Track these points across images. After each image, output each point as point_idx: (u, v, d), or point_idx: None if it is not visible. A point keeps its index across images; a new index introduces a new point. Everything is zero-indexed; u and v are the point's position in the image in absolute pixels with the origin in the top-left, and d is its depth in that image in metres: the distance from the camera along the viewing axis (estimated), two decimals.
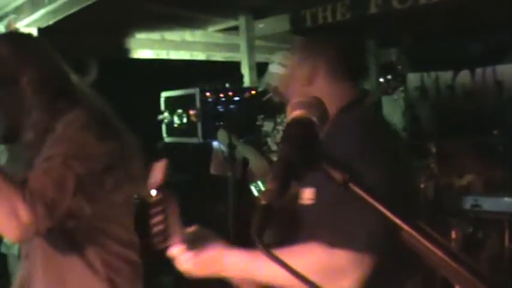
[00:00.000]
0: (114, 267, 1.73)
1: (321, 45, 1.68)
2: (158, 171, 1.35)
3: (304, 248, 1.38)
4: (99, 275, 1.69)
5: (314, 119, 1.07)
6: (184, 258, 1.49)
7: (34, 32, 4.44)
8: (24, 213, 1.44)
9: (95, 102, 1.81)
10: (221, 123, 4.24)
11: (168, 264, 1.51)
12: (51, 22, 4.27)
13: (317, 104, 1.11)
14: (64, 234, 1.61)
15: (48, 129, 1.63)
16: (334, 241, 1.33)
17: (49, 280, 1.72)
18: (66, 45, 5.04)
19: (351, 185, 0.98)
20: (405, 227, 0.91)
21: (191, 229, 1.61)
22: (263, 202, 0.93)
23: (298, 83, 1.67)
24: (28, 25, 4.37)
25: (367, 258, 1.32)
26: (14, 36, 1.90)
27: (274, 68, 3.44)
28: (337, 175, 0.99)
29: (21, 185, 1.47)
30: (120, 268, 1.74)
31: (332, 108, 1.46)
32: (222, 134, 3.60)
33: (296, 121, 1.06)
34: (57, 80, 1.74)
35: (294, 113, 1.07)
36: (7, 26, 4.53)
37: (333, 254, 1.33)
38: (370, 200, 0.95)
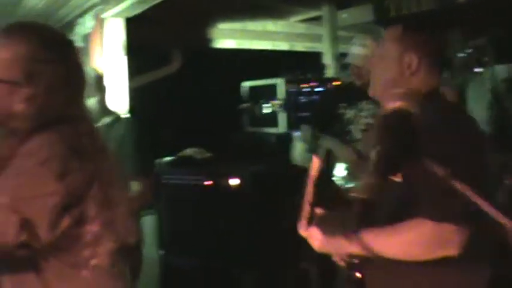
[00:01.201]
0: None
1: (423, 37, 1.72)
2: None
3: (413, 223, 1.52)
4: None
5: (413, 111, 1.05)
6: (316, 237, 1.76)
7: (121, 22, 4.52)
8: None
9: (84, 119, 1.65)
10: (304, 113, 4.19)
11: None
12: (137, 12, 4.31)
13: (417, 96, 1.08)
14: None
15: (23, 141, 1.53)
16: (437, 215, 1.48)
17: None
18: (152, 35, 5.15)
19: (453, 180, 0.99)
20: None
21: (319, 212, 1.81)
22: (364, 196, 0.90)
23: (398, 72, 1.69)
24: (115, 15, 4.44)
25: (465, 229, 1.50)
26: (41, 35, 1.63)
27: (356, 49, 3.36)
28: (439, 170, 0.97)
29: None
30: None
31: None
32: (305, 129, 3.54)
33: (397, 113, 1.02)
34: (64, 95, 1.59)
35: (395, 103, 1.03)
36: (95, 17, 4.62)
37: (440, 227, 1.49)
38: (472, 195, 0.96)
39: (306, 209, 1.85)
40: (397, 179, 1.51)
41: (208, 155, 4.26)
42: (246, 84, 4.60)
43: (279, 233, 3.86)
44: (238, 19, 5.70)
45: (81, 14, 4.81)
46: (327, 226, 1.74)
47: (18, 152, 1.50)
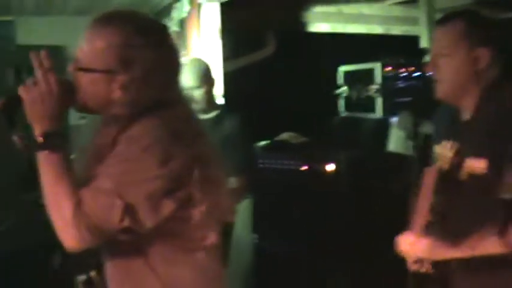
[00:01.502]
0: (177, 274, 1.63)
1: (491, 29, 1.72)
2: None
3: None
4: (160, 280, 1.62)
5: None
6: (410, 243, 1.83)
7: (216, 6, 4.53)
8: (72, 231, 1.45)
9: (181, 103, 1.65)
10: (401, 99, 4.08)
11: None
12: None
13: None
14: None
15: (123, 128, 1.55)
16: None
17: (116, 278, 1.68)
18: (246, 18, 5.15)
19: None
20: None
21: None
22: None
23: (468, 70, 1.71)
24: (211, 0, 4.46)
25: None
26: (134, 22, 1.62)
27: None
28: None
29: (75, 202, 1.45)
30: (184, 275, 1.63)
31: None
32: (404, 116, 3.44)
33: None
34: (160, 80, 1.60)
35: None
36: (190, 1, 4.65)
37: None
38: None
39: (419, 219, 1.86)
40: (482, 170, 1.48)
41: (304, 139, 4.22)
42: (342, 69, 4.52)
43: (373, 221, 3.80)
44: (333, 2, 5.61)
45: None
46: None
47: (120, 139, 1.53)
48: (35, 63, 1.56)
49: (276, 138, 4.28)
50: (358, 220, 3.81)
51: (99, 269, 2.16)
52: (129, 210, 1.45)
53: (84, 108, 1.62)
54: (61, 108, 1.55)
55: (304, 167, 3.89)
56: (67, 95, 1.56)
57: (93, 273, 2.52)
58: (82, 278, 2.55)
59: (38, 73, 1.54)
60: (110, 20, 1.61)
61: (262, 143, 4.23)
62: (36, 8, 5.20)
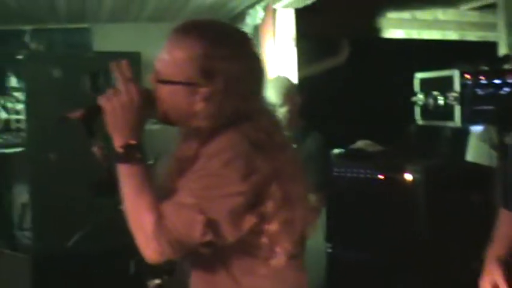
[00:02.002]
0: (259, 285, 1.60)
1: None
2: None
3: None
4: None
5: None
6: None
7: (291, 13, 4.53)
8: (153, 244, 1.44)
9: (264, 114, 1.60)
10: (480, 107, 3.96)
11: None
12: (309, 2, 4.30)
13: None
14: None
15: (205, 141, 1.53)
16: None
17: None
18: (320, 24, 5.13)
19: None
20: None
21: None
22: None
23: None
24: (286, 6, 4.46)
25: None
26: (215, 32, 1.61)
27: None
28: None
29: (157, 216, 1.45)
30: (265, 286, 1.61)
31: None
32: (486, 126, 3.35)
33: None
34: (242, 91, 1.56)
35: None
36: (265, 8, 4.67)
37: None
38: None
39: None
40: None
41: (380, 148, 4.16)
42: (419, 76, 4.42)
43: (450, 232, 3.71)
44: (407, 8, 5.53)
45: (252, 5, 4.89)
46: None
47: (202, 152, 1.51)
48: (116, 73, 1.57)
49: (352, 146, 4.23)
50: (434, 231, 3.73)
51: (171, 274, 2.18)
52: (210, 225, 1.44)
53: (164, 119, 1.61)
54: (141, 119, 1.55)
55: (380, 176, 3.82)
56: (147, 105, 1.56)
57: (165, 278, 2.54)
58: (154, 282, 2.58)
59: (119, 83, 1.55)
60: (190, 30, 1.60)
61: (337, 151, 4.19)
62: (112, 15, 5.33)
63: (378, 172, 3.85)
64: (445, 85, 4.14)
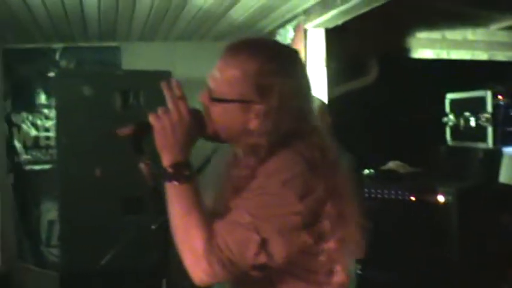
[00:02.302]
0: None
1: None
2: None
3: None
4: None
5: None
6: None
7: (321, 32, 4.54)
8: (203, 265, 1.42)
9: (316, 132, 1.59)
10: None
11: None
12: (339, 22, 4.31)
13: None
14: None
15: (262, 159, 1.52)
16: None
17: None
18: (350, 45, 5.14)
19: None
20: None
21: None
22: None
23: None
24: (316, 26, 4.48)
25: None
26: (267, 49, 1.64)
27: None
28: None
29: (207, 235, 1.43)
30: None
31: None
32: None
33: None
34: (296, 108, 1.57)
35: None
36: (296, 27, 4.69)
37: None
38: None
39: None
40: None
41: (411, 169, 4.14)
42: (450, 96, 4.42)
43: (481, 254, 3.68)
44: (437, 28, 5.52)
45: (282, 25, 4.93)
46: None
47: (259, 171, 1.51)
48: (166, 92, 1.57)
49: (383, 167, 4.22)
50: (465, 253, 3.70)
51: None
52: (265, 245, 1.42)
53: (214, 138, 1.63)
54: (191, 138, 1.56)
55: (412, 198, 3.81)
56: (197, 124, 1.58)
57: None
58: None
59: (169, 102, 1.55)
60: (242, 47, 1.62)
61: (368, 172, 4.18)
62: (142, 33, 5.38)
63: (409, 194, 3.84)
64: (476, 106, 4.14)
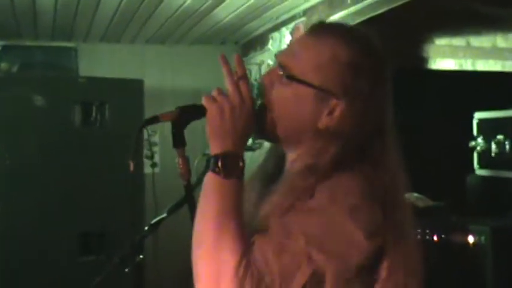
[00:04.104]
0: None
1: None
2: None
3: None
4: None
5: None
6: None
7: None
8: (231, 285, 1.34)
9: (387, 159, 1.53)
10: None
11: None
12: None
13: None
14: None
15: (327, 173, 1.45)
16: None
17: None
18: None
19: None
20: None
21: None
22: None
23: None
24: None
25: None
26: (363, 42, 1.61)
27: None
28: None
29: (243, 250, 1.36)
30: None
31: None
32: None
33: None
34: (375, 123, 1.54)
35: None
36: (293, 31, 4.74)
37: None
38: None
39: None
40: None
41: (432, 203, 4.18)
42: (478, 116, 4.47)
43: None
44: (460, 34, 5.60)
45: (277, 28, 4.97)
46: None
47: (320, 190, 1.44)
48: (224, 69, 1.54)
49: None
50: None
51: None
52: (314, 279, 1.37)
53: (269, 133, 1.59)
54: (249, 129, 1.53)
55: (434, 238, 3.83)
56: (254, 113, 1.54)
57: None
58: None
59: (228, 81, 1.52)
60: (335, 31, 1.60)
61: None
62: (105, 34, 5.40)
63: (430, 233, 3.86)
64: (510, 127, 4.18)
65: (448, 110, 5.27)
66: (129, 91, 4.77)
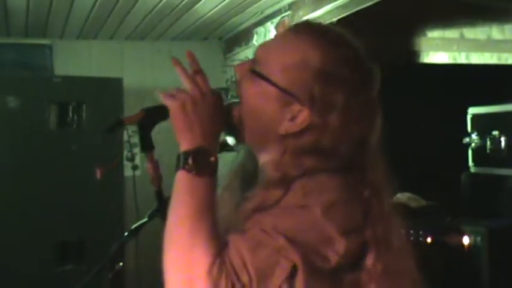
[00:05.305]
0: None
1: None
2: None
3: None
4: None
5: None
6: None
7: None
8: (202, 286, 1.33)
9: (372, 170, 1.54)
10: None
11: None
12: (334, 20, 4.39)
13: None
14: None
15: (290, 183, 1.46)
16: None
17: None
18: None
19: None
20: None
21: None
22: None
23: None
24: None
25: None
26: (340, 47, 1.57)
27: None
28: None
29: (218, 250, 1.36)
30: None
31: None
32: None
33: None
34: (348, 142, 1.53)
35: None
36: (278, 25, 4.77)
37: None
38: None
39: None
40: None
41: (426, 203, 4.21)
42: (471, 111, 4.51)
43: None
44: (453, 25, 5.62)
45: (261, 22, 5.00)
46: None
47: (291, 187, 1.45)
48: (177, 68, 1.55)
49: None
50: None
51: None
52: (292, 278, 1.38)
53: (237, 130, 1.61)
54: (217, 122, 1.54)
55: (428, 239, 3.87)
56: (220, 106, 1.56)
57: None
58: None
59: (184, 79, 1.54)
60: (315, 32, 1.59)
61: None
62: (82, 30, 5.40)
63: (424, 234, 3.89)
64: (506, 123, 4.21)
65: (441, 106, 5.30)
66: (108, 90, 4.79)
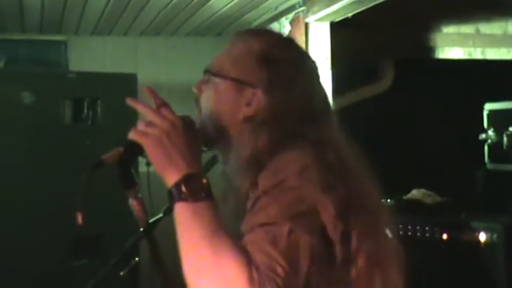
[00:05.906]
0: None
1: None
2: None
3: None
4: None
5: None
6: None
7: (326, 27, 4.62)
8: None
9: (333, 141, 1.62)
10: None
11: None
12: (349, 15, 4.39)
13: None
14: None
15: (259, 163, 1.54)
16: None
17: None
18: (358, 43, 5.21)
19: None
20: None
21: None
22: None
23: None
24: (320, 19, 4.55)
25: None
26: (275, 36, 1.89)
27: None
28: None
29: (246, 259, 1.37)
30: None
31: None
32: None
33: None
34: (298, 112, 1.65)
35: None
36: (293, 21, 4.77)
37: None
38: None
39: None
40: None
41: (441, 199, 4.20)
42: (488, 107, 4.49)
43: None
44: (468, 21, 5.61)
45: (276, 18, 4.99)
46: None
47: (261, 175, 1.52)
48: (139, 108, 1.60)
49: (405, 197, 4.26)
50: None
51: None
52: (313, 253, 1.42)
53: (206, 137, 1.71)
54: (195, 146, 1.59)
55: (444, 236, 3.85)
56: (192, 129, 1.63)
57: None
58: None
59: (148, 114, 1.57)
60: (254, 30, 1.95)
61: (387, 202, 4.22)
62: (96, 26, 5.41)
63: (439, 231, 3.87)
64: None
65: (457, 102, 5.29)
66: (122, 86, 4.77)
